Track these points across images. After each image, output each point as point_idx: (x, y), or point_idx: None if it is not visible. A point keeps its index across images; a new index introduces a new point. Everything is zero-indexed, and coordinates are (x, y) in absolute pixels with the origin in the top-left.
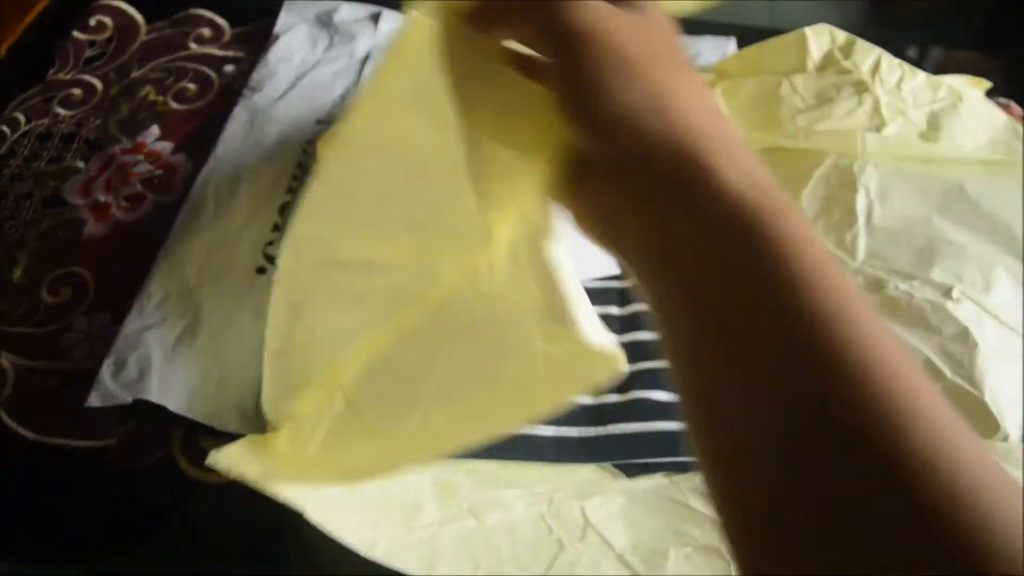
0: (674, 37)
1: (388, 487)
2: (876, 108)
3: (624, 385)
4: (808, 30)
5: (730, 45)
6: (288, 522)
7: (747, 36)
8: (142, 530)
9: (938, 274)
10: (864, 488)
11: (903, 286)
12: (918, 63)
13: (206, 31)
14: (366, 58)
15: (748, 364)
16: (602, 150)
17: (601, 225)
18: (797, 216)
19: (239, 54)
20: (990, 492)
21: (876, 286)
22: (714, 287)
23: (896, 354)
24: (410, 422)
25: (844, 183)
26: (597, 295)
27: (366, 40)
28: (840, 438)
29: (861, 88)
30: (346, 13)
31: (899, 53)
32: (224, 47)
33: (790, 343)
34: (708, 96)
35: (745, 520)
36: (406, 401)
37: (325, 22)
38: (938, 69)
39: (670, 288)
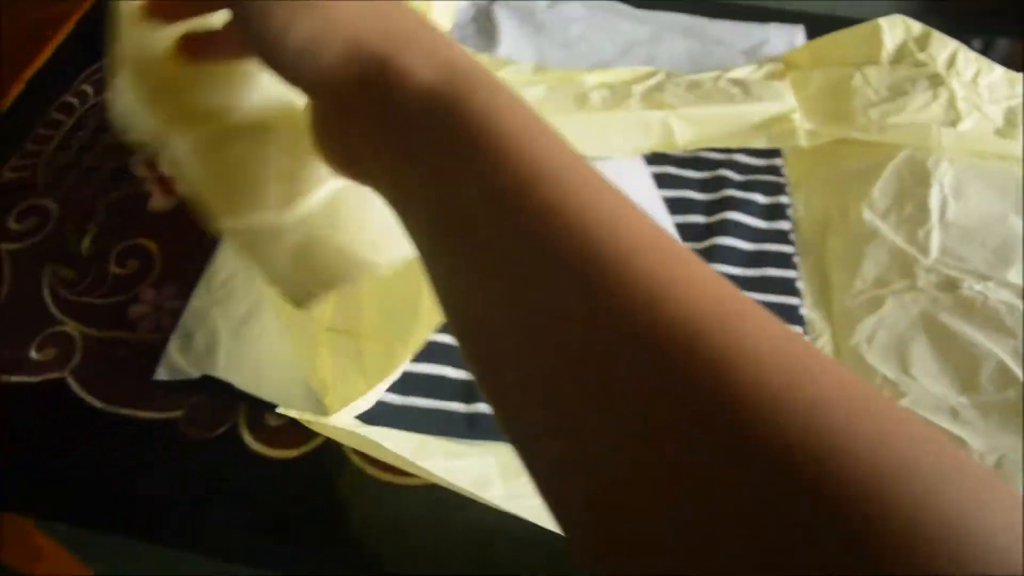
0: None
1: (453, 466)
2: (951, 102)
3: None
4: (882, 21)
5: (798, 34)
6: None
7: (814, 24)
8: (204, 500)
9: (1014, 275)
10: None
11: (977, 286)
12: (983, 53)
13: None
14: None
15: (480, 262)
16: (307, 92)
17: (346, 163)
18: (493, 88)
19: None
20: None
21: (950, 285)
22: (428, 189)
23: (612, 201)
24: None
25: (918, 178)
26: None
27: None
28: (563, 281)
29: (936, 81)
30: None
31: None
32: None
33: (500, 224)
34: None
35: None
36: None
37: None
38: (1005, 61)
39: (401, 205)
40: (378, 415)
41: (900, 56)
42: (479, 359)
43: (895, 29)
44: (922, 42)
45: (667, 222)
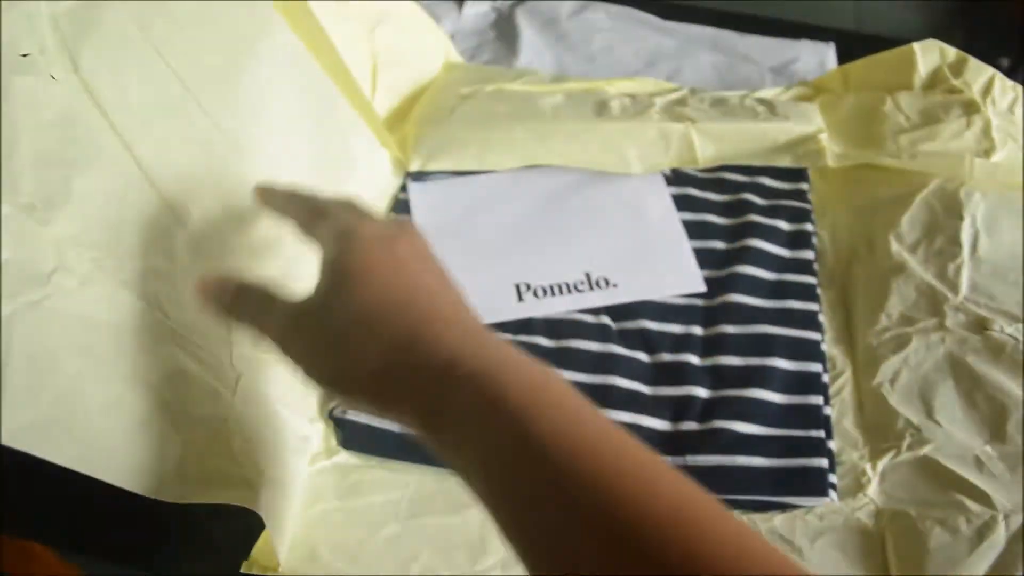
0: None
1: (450, 525)
2: (986, 131)
3: (705, 412)
4: (917, 46)
5: (828, 52)
6: None
7: (844, 41)
8: None
9: None
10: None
11: (1009, 329)
12: (1010, 73)
13: None
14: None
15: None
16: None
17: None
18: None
19: None
20: None
21: (978, 326)
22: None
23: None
24: None
25: (949, 209)
26: (680, 313)
27: (449, 23)
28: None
29: (971, 109)
30: None
31: (988, 59)
32: None
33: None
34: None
35: None
36: None
37: None
38: None
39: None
40: (354, 438)
41: (933, 82)
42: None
43: (929, 54)
44: (957, 68)
45: (686, 247)
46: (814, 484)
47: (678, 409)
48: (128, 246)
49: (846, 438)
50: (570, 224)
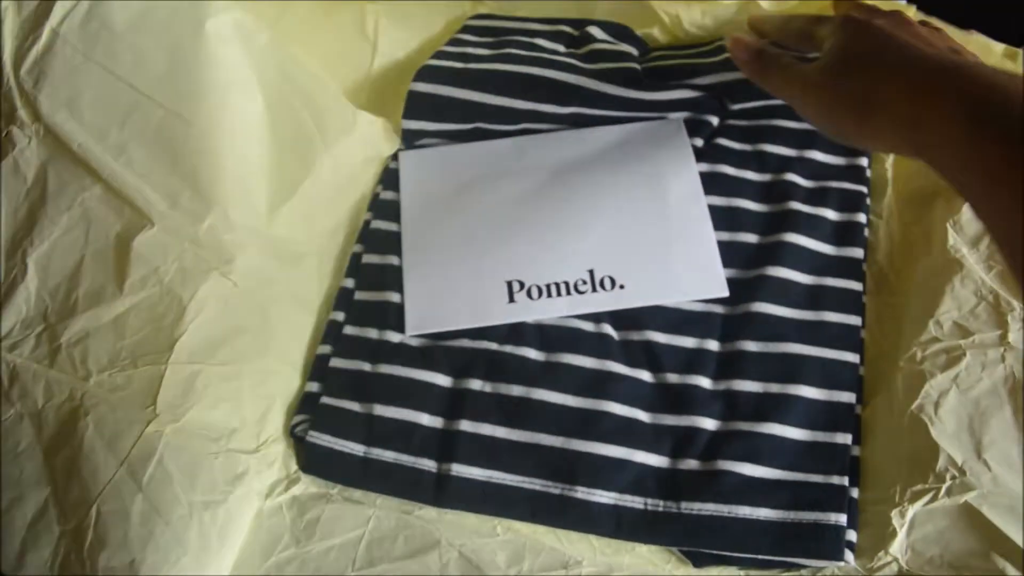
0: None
1: (409, 569)
2: None
3: (709, 449)
4: None
5: None
6: None
7: None
8: None
9: None
10: None
11: None
12: None
13: None
14: None
15: None
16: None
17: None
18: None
19: None
20: None
21: None
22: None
23: None
24: None
25: None
26: (695, 323)
27: None
28: None
29: None
30: None
31: None
32: None
33: None
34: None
35: None
36: None
37: None
38: None
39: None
40: (314, 461)
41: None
42: None
43: None
44: None
45: (710, 241)
46: (828, 545)
47: (679, 443)
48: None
49: (872, 476)
50: (576, 208)
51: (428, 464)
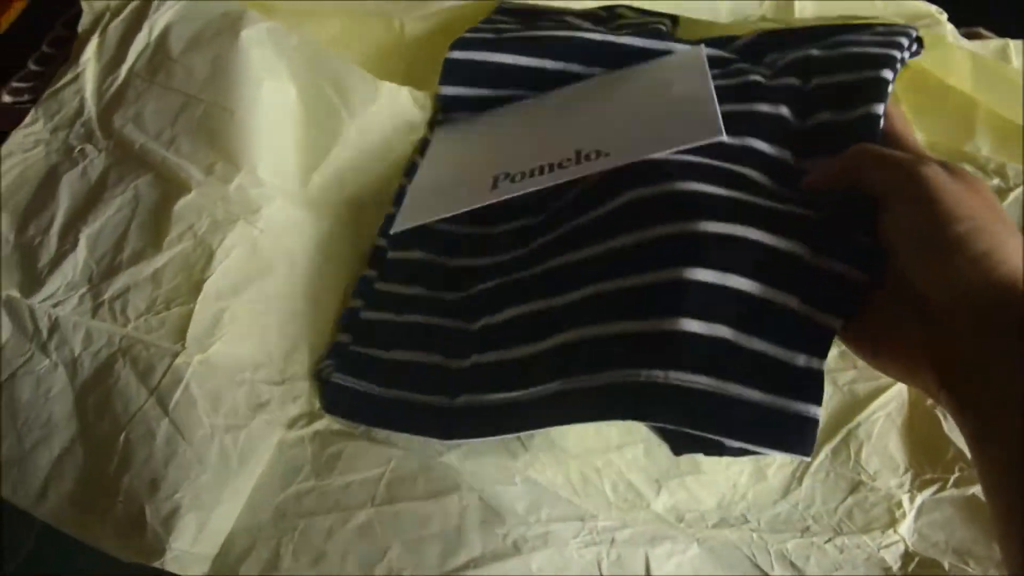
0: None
1: (427, 513)
2: None
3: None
4: None
5: None
6: None
7: None
8: None
9: None
10: None
11: None
12: None
13: None
14: None
15: None
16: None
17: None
18: None
19: None
20: None
21: None
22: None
23: None
24: None
25: None
26: (685, 167)
27: None
28: None
29: None
30: None
31: None
32: None
33: None
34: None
35: None
36: None
37: None
38: None
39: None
40: (337, 403)
41: None
42: None
43: None
44: None
45: (706, 91)
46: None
47: None
48: None
49: (886, 460)
50: (574, 109)
51: (442, 400)
